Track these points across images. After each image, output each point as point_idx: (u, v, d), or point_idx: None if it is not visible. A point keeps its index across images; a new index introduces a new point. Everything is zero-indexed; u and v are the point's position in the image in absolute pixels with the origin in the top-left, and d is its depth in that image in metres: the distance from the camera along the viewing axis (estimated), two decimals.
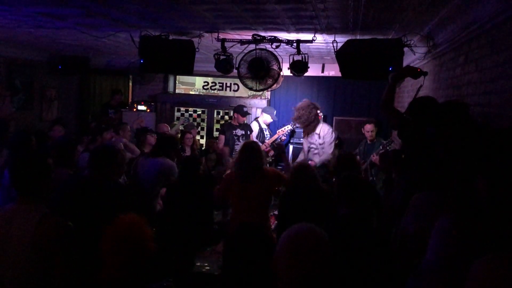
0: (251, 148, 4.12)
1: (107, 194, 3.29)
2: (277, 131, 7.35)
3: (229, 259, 2.14)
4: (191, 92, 9.83)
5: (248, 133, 7.09)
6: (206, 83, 9.61)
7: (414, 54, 5.01)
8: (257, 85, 5.32)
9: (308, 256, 1.74)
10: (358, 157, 6.28)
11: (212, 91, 9.60)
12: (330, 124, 8.53)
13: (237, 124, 7.03)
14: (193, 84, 9.91)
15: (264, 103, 8.71)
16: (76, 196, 3.28)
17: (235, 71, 5.50)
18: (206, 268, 4.64)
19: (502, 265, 1.34)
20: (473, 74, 3.53)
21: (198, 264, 4.81)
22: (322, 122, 6.25)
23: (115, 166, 3.52)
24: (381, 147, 6.33)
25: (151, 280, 2.26)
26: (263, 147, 6.78)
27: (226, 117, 9.20)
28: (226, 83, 9.45)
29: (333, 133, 6.17)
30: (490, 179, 1.54)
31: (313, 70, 8.59)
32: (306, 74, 8.42)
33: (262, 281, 2.00)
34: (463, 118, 2.70)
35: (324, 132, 6.04)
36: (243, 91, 8.98)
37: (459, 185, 2.00)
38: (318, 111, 6.16)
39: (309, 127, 6.09)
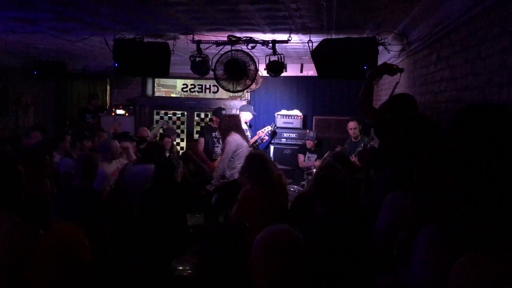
0: (260, 157, 3.95)
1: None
2: (258, 132, 7.34)
3: (204, 261, 2.11)
4: (172, 95, 9.77)
5: None
6: (185, 86, 9.56)
7: (389, 52, 5.05)
8: (234, 86, 5.30)
9: (283, 257, 1.74)
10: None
11: (192, 93, 9.56)
12: (310, 123, 8.59)
13: (217, 126, 6.99)
14: (174, 87, 9.86)
15: (244, 104, 8.69)
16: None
17: (212, 72, 5.47)
18: (188, 272, 4.60)
19: (477, 266, 1.33)
20: (445, 71, 3.57)
21: (181, 268, 4.76)
22: (233, 134, 5.88)
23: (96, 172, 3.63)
24: (362, 145, 6.37)
25: None
26: None
27: (206, 119, 9.16)
28: (205, 85, 9.41)
29: (233, 145, 5.81)
30: (461, 180, 1.53)
31: (292, 70, 8.64)
32: (285, 74, 8.45)
33: (238, 283, 1.99)
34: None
35: (227, 142, 5.83)
36: (223, 93, 8.95)
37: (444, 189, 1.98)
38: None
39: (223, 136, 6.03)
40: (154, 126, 8.63)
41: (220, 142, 6.95)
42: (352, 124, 6.68)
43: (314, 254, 2.47)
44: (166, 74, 5.42)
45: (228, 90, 5.52)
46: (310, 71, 8.43)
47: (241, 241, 2.08)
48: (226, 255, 2.02)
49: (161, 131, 8.23)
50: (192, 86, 9.52)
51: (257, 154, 4.05)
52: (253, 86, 8.42)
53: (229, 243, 2.05)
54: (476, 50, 2.87)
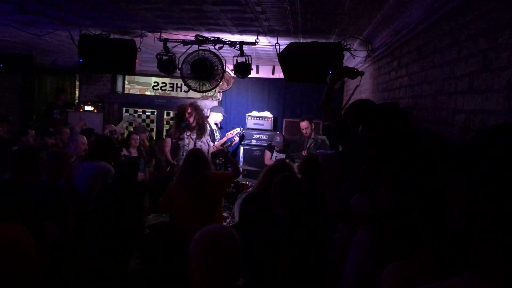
0: (196, 157, 3.91)
1: (29, 196, 3.19)
2: (226, 134, 7.32)
3: (148, 261, 2.10)
4: (146, 93, 9.66)
5: None
6: (156, 84, 9.47)
7: (354, 58, 5.12)
8: (201, 86, 5.28)
9: (221, 256, 1.74)
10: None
11: (163, 92, 9.47)
12: (280, 125, 8.64)
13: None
14: (149, 84, 9.74)
15: (215, 104, 8.66)
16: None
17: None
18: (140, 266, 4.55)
19: (404, 272, 1.36)
20: (404, 78, 3.64)
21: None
22: None
23: (36, 167, 3.42)
24: (313, 143, 6.50)
25: None
26: (212, 149, 6.77)
27: None
28: (177, 84, 9.34)
29: None
30: (391, 188, 1.57)
31: (263, 72, 8.68)
32: (256, 75, 8.52)
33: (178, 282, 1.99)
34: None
35: None
36: (194, 92, 8.87)
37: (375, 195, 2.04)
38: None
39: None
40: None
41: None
42: (303, 124, 6.83)
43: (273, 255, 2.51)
44: (132, 72, 5.37)
45: (194, 90, 5.50)
46: (282, 73, 8.44)
47: (181, 242, 2.07)
48: (165, 256, 2.02)
49: (131, 128, 8.15)
50: (164, 85, 9.45)
51: (192, 154, 4.01)
52: (225, 86, 8.44)
53: (169, 245, 2.04)
54: (430, 59, 2.94)
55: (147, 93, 9.67)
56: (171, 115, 9.21)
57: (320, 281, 2.71)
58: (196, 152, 4.02)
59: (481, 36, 2.13)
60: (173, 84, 9.37)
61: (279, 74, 8.59)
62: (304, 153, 6.41)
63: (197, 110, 6.24)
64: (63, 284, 3.17)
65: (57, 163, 3.69)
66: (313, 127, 6.88)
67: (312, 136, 6.82)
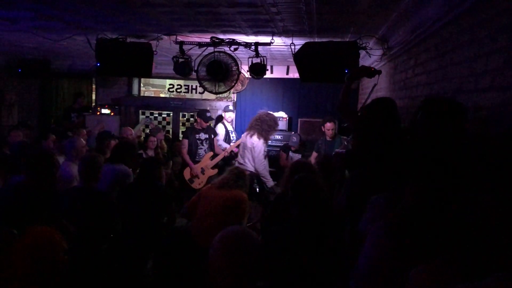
0: (240, 171, 4.31)
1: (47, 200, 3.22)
2: (242, 136, 7.33)
3: (161, 263, 2.12)
4: (161, 95, 9.73)
5: (212, 136, 7.04)
6: (171, 86, 9.54)
7: (370, 57, 5.09)
8: (216, 88, 5.30)
9: (241, 255, 1.76)
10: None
11: (178, 94, 9.54)
12: (295, 125, 8.61)
13: (201, 128, 6.96)
14: (164, 87, 9.82)
15: (230, 105, 8.67)
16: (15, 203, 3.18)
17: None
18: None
19: (433, 275, 1.36)
20: (421, 76, 3.61)
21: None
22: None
23: (52, 170, 3.44)
24: (345, 143, 6.42)
25: None
26: (224, 153, 6.82)
27: (192, 119, 9.14)
28: (192, 86, 9.40)
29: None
30: (416, 188, 1.55)
31: (277, 72, 8.67)
32: (271, 76, 8.52)
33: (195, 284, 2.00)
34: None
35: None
36: (209, 94, 8.88)
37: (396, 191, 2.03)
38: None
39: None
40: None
41: (204, 144, 6.94)
42: (329, 125, 6.75)
43: (281, 254, 2.51)
44: (149, 75, 5.40)
45: (210, 92, 5.52)
46: (296, 73, 8.39)
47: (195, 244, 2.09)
48: (180, 258, 2.03)
49: (147, 130, 8.21)
50: (179, 87, 9.51)
51: (237, 168, 4.40)
52: (239, 87, 8.45)
53: (182, 247, 2.06)
54: (449, 57, 2.91)
55: (162, 95, 9.74)
56: (187, 116, 9.25)
57: (334, 280, 2.71)
58: (240, 169, 4.45)
59: (502, 33, 2.10)
60: (188, 86, 9.43)
61: (294, 74, 8.58)
62: (313, 154, 6.40)
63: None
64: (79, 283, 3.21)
65: (91, 167, 3.74)
66: (336, 128, 6.85)
67: (335, 137, 6.80)
